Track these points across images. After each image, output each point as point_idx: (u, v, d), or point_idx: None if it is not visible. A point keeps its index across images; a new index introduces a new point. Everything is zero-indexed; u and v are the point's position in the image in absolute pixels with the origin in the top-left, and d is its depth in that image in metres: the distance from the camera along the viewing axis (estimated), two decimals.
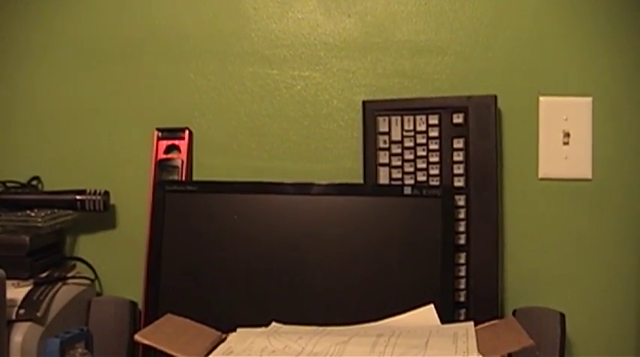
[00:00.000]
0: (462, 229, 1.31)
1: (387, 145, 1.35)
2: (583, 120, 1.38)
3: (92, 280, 1.38)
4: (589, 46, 1.38)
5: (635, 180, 1.38)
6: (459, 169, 1.32)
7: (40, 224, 1.30)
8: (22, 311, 1.17)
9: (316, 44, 1.43)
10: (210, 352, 1.05)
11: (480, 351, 0.98)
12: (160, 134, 1.44)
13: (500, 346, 1.01)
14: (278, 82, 1.44)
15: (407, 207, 1.26)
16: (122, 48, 1.47)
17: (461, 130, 1.33)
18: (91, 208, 1.38)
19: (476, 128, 1.32)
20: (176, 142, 1.43)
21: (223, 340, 1.10)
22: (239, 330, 1.13)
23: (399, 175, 1.34)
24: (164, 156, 1.43)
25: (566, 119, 1.38)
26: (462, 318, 1.29)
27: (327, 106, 1.43)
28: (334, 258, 1.26)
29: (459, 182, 1.32)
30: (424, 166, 1.34)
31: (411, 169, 1.34)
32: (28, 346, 1.14)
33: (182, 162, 1.42)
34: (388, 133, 1.35)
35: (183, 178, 1.41)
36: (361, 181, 1.37)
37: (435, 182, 1.33)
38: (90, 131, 1.47)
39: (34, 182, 1.46)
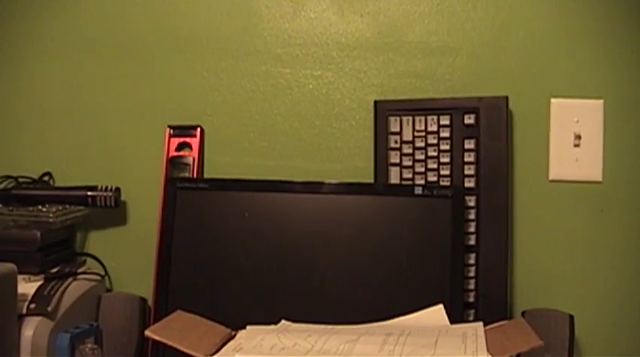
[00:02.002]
0: (472, 229, 1.31)
1: (398, 145, 1.35)
2: (594, 122, 1.38)
3: (102, 276, 1.38)
4: (601, 49, 1.38)
5: None
6: (469, 170, 1.32)
7: (51, 220, 1.31)
8: (32, 306, 1.17)
9: (329, 44, 1.44)
10: (219, 349, 1.05)
11: (489, 351, 0.98)
12: (171, 131, 1.44)
13: (509, 347, 1.00)
14: (290, 81, 1.44)
15: (417, 207, 1.26)
16: (135, 45, 1.47)
17: (472, 131, 1.33)
18: (102, 204, 1.39)
19: (487, 129, 1.32)
20: (188, 139, 1.43)
21: (233, 337, 1.10)
22: (249, 327, 1.13)
23: (410, 175, 1.35)
24: (175, 153, 1.43)
25: (577, 121, 1.38)
26: (471, 318, 1.29)
27: (339, 106, 1.43)
28: (344, 257, 1.26)
29: (469, 183, 1.32)
30: (435, 166, 1.34)
31: (422, 170, 1.34)
32: (39, 341, 1.15)
33: (193, 159, 1.42)
34: (399, 133, 1.35)
35: (195, 175, 1.42)
36: (372, 180, 1.37)
37: (445, 183, 1.33)
38: (102, 128, 1.48)
39: (46, 178, 1.47)
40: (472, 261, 1.31)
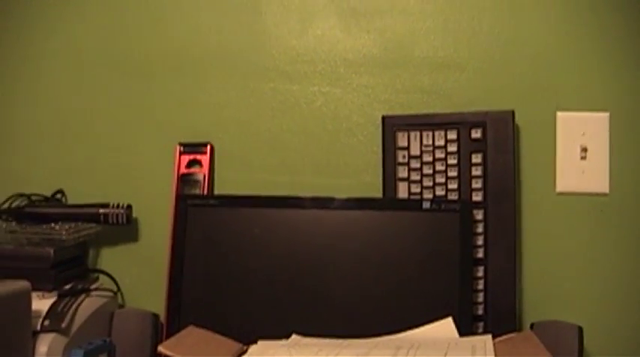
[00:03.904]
0: (480, 242, 1.32)
1: (406, 160, 1.36)
2: (600, 135, 1.38)
3: (115, 293, 1.39)
4: (606, 62, 1.39)
5: None
6: (477, 184, 1.33)
7: (64, 237, 1.32)
8: (46, 322, 1.18)
9: (336, 60, 1.45)
10: None
11: None
12: (182, 149, 1.45)
13: None
14: (298, 97, 1.46)
15: (425, 221, 1.27)
16: (147, 64, 1.48)
17: (479, 145, 1.34)
18: (114, 221, 1.40)
19: (494, 143, 1.33)
20: (198, 156, 1.45)
21: (244, 352, 1.11)
22: (260, 342, 1.14)
23: (418, 190, 1.35)
24: (186, 170, 1.44)
25: (583, 134, 1.39)
26: (480, 331, 1.29)
27: (347, 121, 1.44)
28: (354, 271, 1.26)
29: (477, 197, 1.33)
30: (443, 180, 1.34)
31: (430, 184, 1.35)
32: None
33: (204, 176, 1.43)
34: (407, 148, 1.36)
35: (205, 192, 1.42)
36: (380, 195, 1.37)
37: (453, 197, 1.34)
38: (113, 146, 1.49)
39: (58, 196, 1.48)
40: (481, 274, 1.31)
